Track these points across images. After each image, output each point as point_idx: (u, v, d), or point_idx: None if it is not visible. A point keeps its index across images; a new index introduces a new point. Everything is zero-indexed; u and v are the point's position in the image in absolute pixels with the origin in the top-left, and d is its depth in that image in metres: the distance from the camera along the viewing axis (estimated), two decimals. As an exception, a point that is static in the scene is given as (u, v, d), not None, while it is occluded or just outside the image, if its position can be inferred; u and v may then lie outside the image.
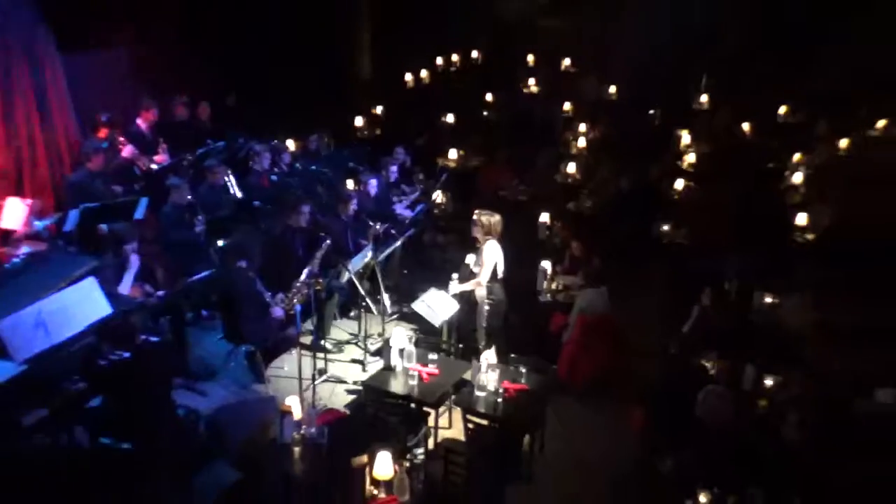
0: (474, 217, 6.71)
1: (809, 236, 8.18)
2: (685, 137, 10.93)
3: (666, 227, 8.51)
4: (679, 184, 9.34)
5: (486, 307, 6.62)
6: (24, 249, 6.82)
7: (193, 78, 10.52)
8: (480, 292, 6.62)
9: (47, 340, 5.04)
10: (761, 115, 11.77)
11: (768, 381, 5.58)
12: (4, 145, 7.95)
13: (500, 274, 6.67)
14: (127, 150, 8.17)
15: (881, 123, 10.77)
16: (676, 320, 6.59)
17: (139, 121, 8.67)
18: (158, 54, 9.98)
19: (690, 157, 10.26)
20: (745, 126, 11.34)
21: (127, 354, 4.91)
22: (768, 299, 6.74)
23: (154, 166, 8.25)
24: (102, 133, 8.25)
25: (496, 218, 6.66)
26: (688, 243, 8.35)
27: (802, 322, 6.43)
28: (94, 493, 4.95)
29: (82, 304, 5.32)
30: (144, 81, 9.76)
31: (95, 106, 8.91)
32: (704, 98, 12.31)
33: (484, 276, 6.56)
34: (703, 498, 4.36)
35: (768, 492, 4.39)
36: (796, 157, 10.10)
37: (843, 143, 10.36)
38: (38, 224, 6.93)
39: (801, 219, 8.24)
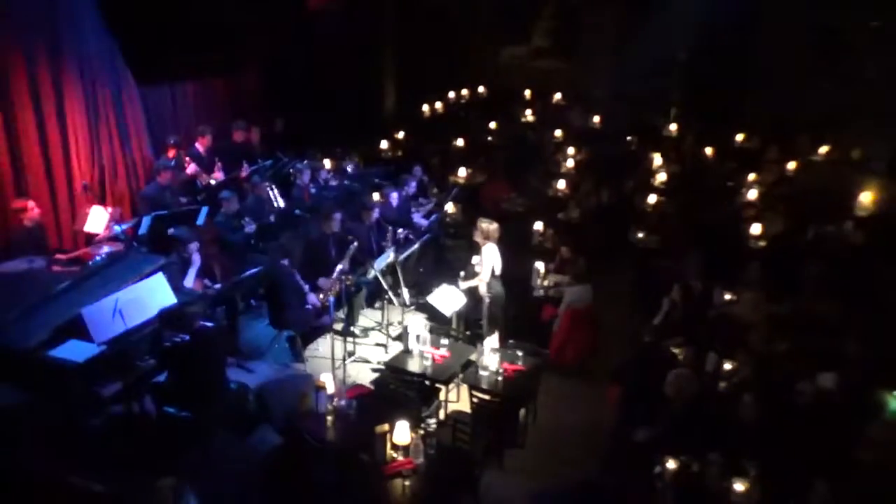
0: (477, 223, 6.70)
1: (762, 243, 8.12)
2: (657, 159, 10.88)
3: (640, 235, 8.47)
4: (651, 198, 9.29)
5: (487, 299, 6.59)
6: (105, 249, 6.83)
7: (247, 107, 10.55)
8: (482, 287, 6.59)
9: (122, 325, 5.02)
10: (721, 141, 11.72)
11: (727, 366, 5.50)
12: (91, 162, 7.96)
13: (497, 272, 6.63)
14: (191, 168, 8.17)
15: (823, 149, 10.73)
16: (649, 312, 6.53)
17: (197, 144, 8.67)
18: (218, 87, 10.00)
19: (661, 176, 10.21)
20: (708, 150, 11.28)
21: (187, 337, 4.89)
22: (727, 296, 6.68)
23: (212, 181, 8.24)
24: (171, 153, 8.25)
25: (494, 225, 6.65)
26: (658, 248, 8.30)
27: (755, 315, 6.36)
28: (161, 454, 4.92)
29: (152, 295, 5.30)
30: (206, 109, 9.79)
31: (165, 129, 8.93)
32: (673, 126, 12.30)
33: (484, 274, 6.53)
34: (670, 464, 4.28)
35: (727, 458, 4.32)
36: (751, 176, 10.03)
37: (791, 165, 10.29)
38: (117, 228, 6.91)
39: (755, 228, 8.18)
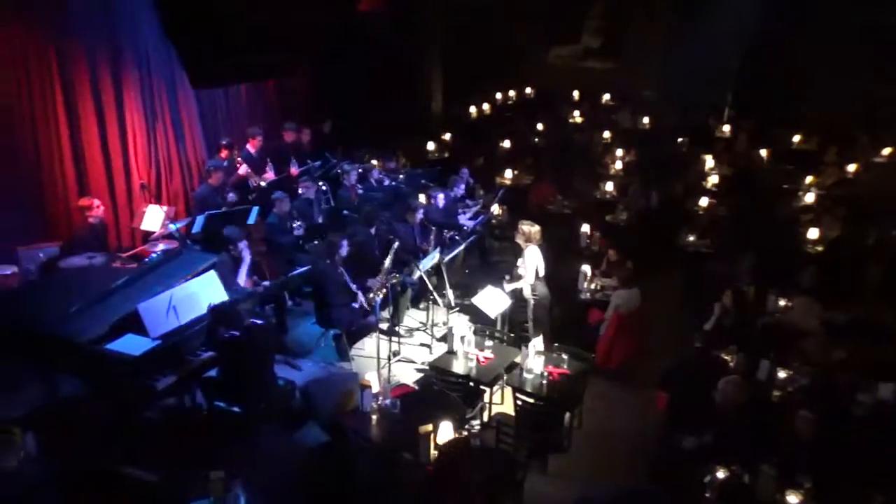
0: (519, 226, 6.70)
1: (819, 247, 7.87)
2: (708, 161, 10.65)
3: (690, 238, 8.29)
4: (703, 201, 9.10)
5: (532, 302, 6.56)
6: (161, 247, 7.05)
7: (297, 108, 10.75)
8: (527, 290, 6.57)
9: (176, 321, 5.14)
10: (776, 142, 11.39)
11: (781, 374, 5.34)
12: (148, 162, 8.23)
13: (541, 273, 6.61)
14: (242, 169, 8.34)
15: (886, 151, 10.33)
16: (699, 317, 6.38)
17: (248, 145, 8.85)
18: (269, 88, 10.22)
19: (713, 178, 10.00)
20: (762, 151, 10.96)
21: (237, 333, 5.00)
22: (781, 302, 6.49)
23: (263, 183, 8.41)
24: (223, 153, 8.45)
25: (535, 227, 6.63)
26: (709, 252, 8.11)
27: (810, 322, 6.15)
28: (211, 447, 5.04)
29: (204, 292, 5.40)
30: (258, 111, 10.01)
31: (218, 130, 9.17)
32: (726, 127, 12.02)
33: (528, 276, 6.52)
34: (720, 473, 4.18)
35: (780, 470, 4.19)
36: (808, 179, 9.72)
37: (851, 167, 9.94)
38: (172, 227, 7.09)
39: (812, 233, 7.93)
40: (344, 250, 6.44)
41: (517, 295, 6.61)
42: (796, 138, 11.48)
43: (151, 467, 4.25)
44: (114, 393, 4.87)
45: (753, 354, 5.52)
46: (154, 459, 4.67)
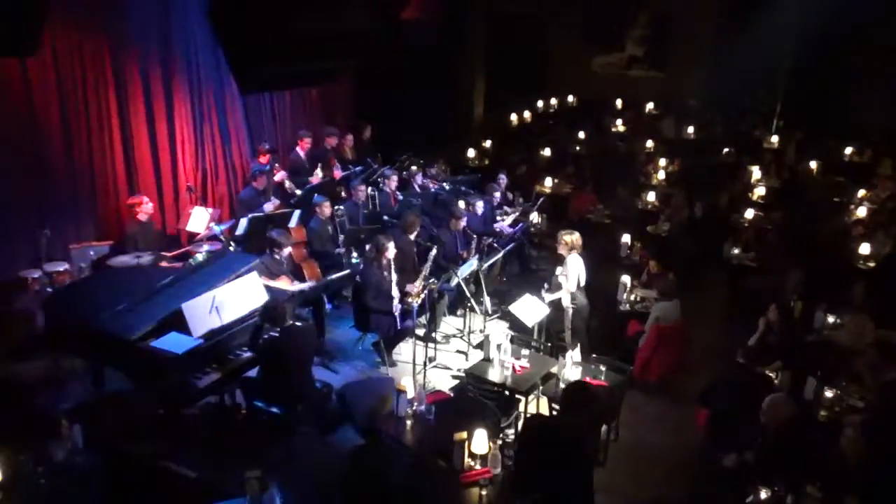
0: (558, 236, 6.66)
1: (870, 263, 7.61)
2: (755, 172, 10.42)
3: (735, 251, 8.12)
4: (749, 213, 8.91)
5: (570, 310, 6.51)
6: (205, 248, 7.21)
7: (339, 114, 10.90)
8: (566, 299, 6.52)
9: (218, 320, 5.24)
10: (827, 153, 11.08)
11: (828, 394, 5.17)
12: (195, 165, 8.45)
13: (582, 283, 6.56)
14: (279, 175, 8.47)
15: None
16: (742, 332, 6.23)
17: (297, 148, 9.00)
18: (312, 94, 10.39)
19: (760, 190, 9.78)
20: (812, 163, 10.67)
21: (276, 334, 5.08)
22: (830, 318, 6.29)
23: (298, 190, 8.51)
24: (265, 158, 8.58)
25: (576, 235, 6.59)
26: (755, 265, 7.92)
27: (860, 340, 5.95)
28: (249, 446, 5.13)
29: (246, 293, 5.52)
30: (301, 116, 10.19)
31: (262, 135, 9.36)
32: (775, 138, 11.75)
33: (570, 284, 6.46)
34: (763, 493, 4.06)
35: (825, 492, 4.05)
36: (860, 192, 9.42)
37: (906, 181, 9.59)
38: (216, 228, 7.22)
39: (864, 248, 7.68)
40: (391, 253, 6.49)
41: (556, 304, 6.56)
42: (848, 150, 11.14)
43: (191, 464, 4.34)
44: (157, 389, 4.99)
45: (799, 372, 5.36)
46: (193, 456, 4.77)
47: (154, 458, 4.43)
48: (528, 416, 4.98)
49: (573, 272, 6.47)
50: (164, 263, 6.89)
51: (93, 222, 7.41)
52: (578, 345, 5.83)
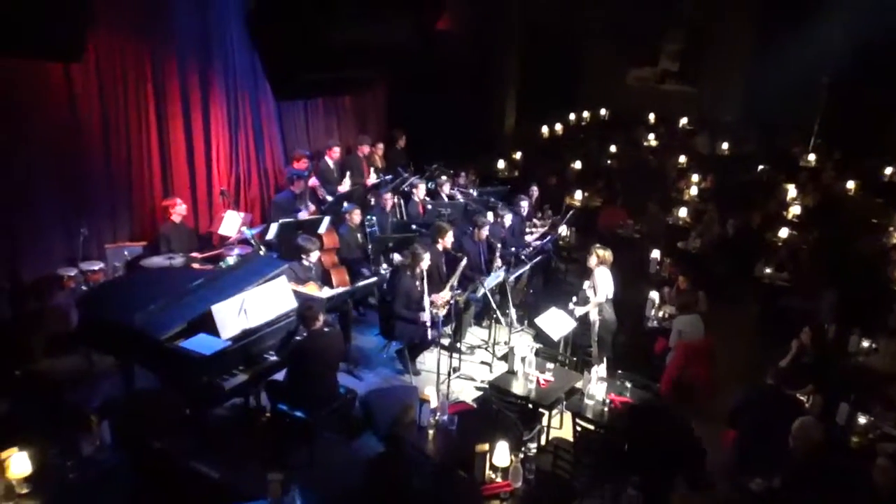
0: (592, 248, 6.69)
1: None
2: (791, 190, 10.24)
3: (768, 270, 7.98)
4: (783, 231, 8.75)
5: (597, 323, 6.49)
6: (236, 252, 7.32)
7: (371, 122, 11.00)
8: (593, 311, 6.51)
9: (246, 323, 5.31)
10: (866, 173, 10.83)
11: (861, 420, 5.04)
12: (229, 170, 8.59)
13: (609, 296, 6.55)
14: (312, 181, 8.56)
15: None
16: (773, 353, 6.10)
17: (326, 157, 9.10)
18: (346, 103, 10.50)
19: (795, 209, 9.60)
20: (850, 183, 10.44)
21: (301, 338, 5.13)
22: (865, 343, 6.14)
23: (329, 197, 8.59)
24: (302, 163, 8.67)
25: (608, 252, 6.64)
26: (788, 285, 7.77)
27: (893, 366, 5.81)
28: (272, 448, 5.18)
29: (274, 297, 5.58)
30: (334, 124, 10.30)
31: (296, 142, 9.49)
32: (812, 156, 11.54)
33: (599, 296, 6.49)
34: (790, 519, 3.96)
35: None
36: (901, 214, 9.21)
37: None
38: (248, 232, 7.32)
39: (904, 271, 7.49)
40: (426, 265, 6.52)
41: (582, 318, 6.52)
42: (888, 170, 10.88)
43: (214, 464, 4.39)
44: (185, 389, 5.07)
45: (832, 396, 5.23)
46: (217, 456, 4.83)
47: (179, 456, 4.49)
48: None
49: (602, 284, 6.47)
50: (195, 265, 7.00)
51: (128, 223, 7.57)
52: (604, 359, 5.78)
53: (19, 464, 3.88)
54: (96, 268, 6.68)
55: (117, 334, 5.29)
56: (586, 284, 6.80)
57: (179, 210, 7.23)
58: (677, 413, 4.83)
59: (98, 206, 7.21)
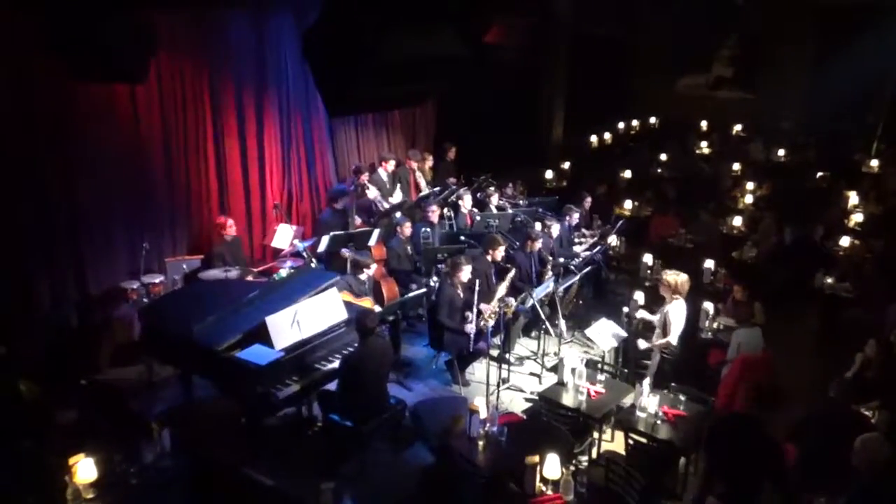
0: (662, 275, 6.25)
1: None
2: (853, 198, 9.86)
3: (829, 280, 7.69)
4: (844, 240, 8.42)
5: (661, 356, 6.22)
6: (289, 264, 7.48)
7: (422, 135, 11.12)
8: (661, 343, 6.19)
9: (299, 334, 5.40)
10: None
11: (930, 436, 4.79)
12: (282, 185, 8.81)
13: (679, 331, 6.14)
14: (371, 193, 8.69)
15: None
16: (836, 366, 5.87)
17: (380, 168, 9.24)
18: (395, 117, 10.65)
19: (857, 217, 9.24)
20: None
21: (352, 350, 5.19)
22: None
23: (386, 205, 8.73)
24: (361, 178, 8.74)
25: (683, 277, 6.11)
26: (851, 296, 7.47)
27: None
28: (325, 458, 5.25)
29: (326, 308, 5.66)
30: (384, 139, 10.45)
31: (347, 157, 9.67)
32: (874, 162, 11.10)
33: (673, 336, 6.10)
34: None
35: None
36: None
37: None
38: (300, 245, 7.47)
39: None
40: (466, 275, 6.54)
41: (634, 329, 6.40)
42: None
43: (269, 472, 4.48)
44: (240, 398, 5.19)
45: (899, 412, 5.00)
46: (271, 465, 4.93)
47: (235, 463, 4.61)
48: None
49: (676, 322, 6.07)
50: (250, 278, 7.18)
51: (187, 237, 7.83)
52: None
53: (86, 469, 4.05)
54: (157, 280, 6.92)
55: (177, 345, 5.46)
56: (640, 296, 6.65)
57: (230, 230, 7.39)
58: (754, 421, 4.74)
59: (159, 222, 7.48)
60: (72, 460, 4.08)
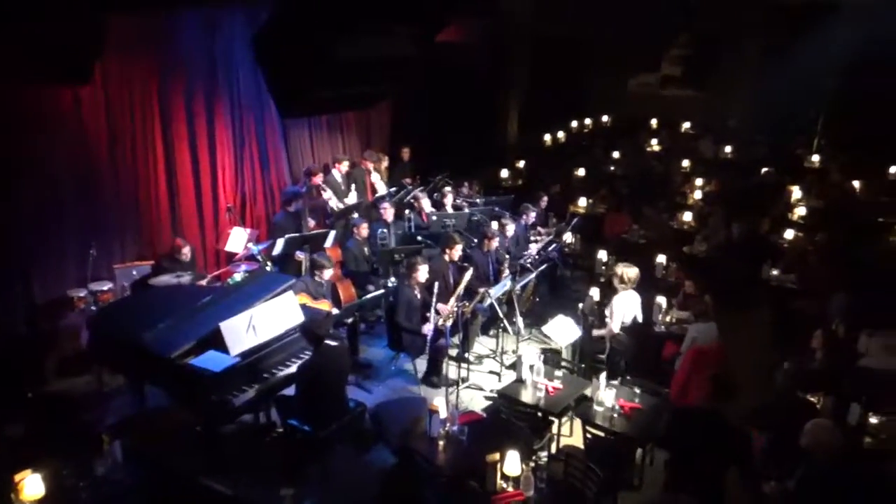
0: (615, 268, 6.48)
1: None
2: (796, 192, 10.22)
3: (775, 272, 7.95)
4: (789, 233, 8.72)
5: (609, 347, 6.40)
6: (243, 268, 7.36)
7: (376, 137, 11.07)
8: (608, 337, 6.40)
9: (255, 339, 5.32)
10: (872, 173, 10.82)
11: (873, 420, 5.01)
12: (235, 188, 8.66)
13: (627, 321, 6.36)
14: (327, 195, 8.61)
15: None
16: (784, 356, 6.08)
17: (334, 170, 9.17)
18: (349, 119, 10.58)
19: (801, 210, 9.58)
20: (856, 183, 10.42)
21: (307, 355, 5.14)
22: (874, 341, 6.10)
23: (342, 205, 8.65)
24: (313, 179, 8.66)
25: (633, 271, 6.35)
26: (797, 287, 7.74)
27: (889, 363, 5.79)
28: (284, 464, 5.18)
29: (282, 312, 5.59)
30: (338, 140, 10.37)
31: (301, 159, 9.56)
32: (816, 157, 11.54)
33: (614, 324, 6.32)
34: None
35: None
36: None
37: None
38: (254, 249, 7.36)
39: (910, 269, 7.46)
40: (423, 275, 6.54)
41: (590, 325, 6.52)
42: (893, 169, 10.86)
43: (227, 481, 4.41)
44: (195, 406, 5.09)
45: (844, 398, 5.21)
46: (229, 473, 4.84)
47: (192, 474, 4.51)
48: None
49: (618, 310, 6.29)
50: (203, 283, 7.05)
51: (136, 243, 7.63)
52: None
53: (33, 486, 3.91)
54: (106, 288, 6.74)
55: (128, 354, 5.32)
56: (596, 292, 6.78)
57: (185, 254, 7.21)
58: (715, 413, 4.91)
59: (107, 227, 7.27)
60: (17, 477, 3.93)
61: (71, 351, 6.36)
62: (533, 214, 8.95)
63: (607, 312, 6.47)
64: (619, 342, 6.38)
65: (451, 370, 6.30)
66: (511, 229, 8.25)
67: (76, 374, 6.31)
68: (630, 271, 6.35)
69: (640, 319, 6.46)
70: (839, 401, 5.19)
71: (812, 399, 5.33)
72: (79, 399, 6.04)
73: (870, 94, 11.01)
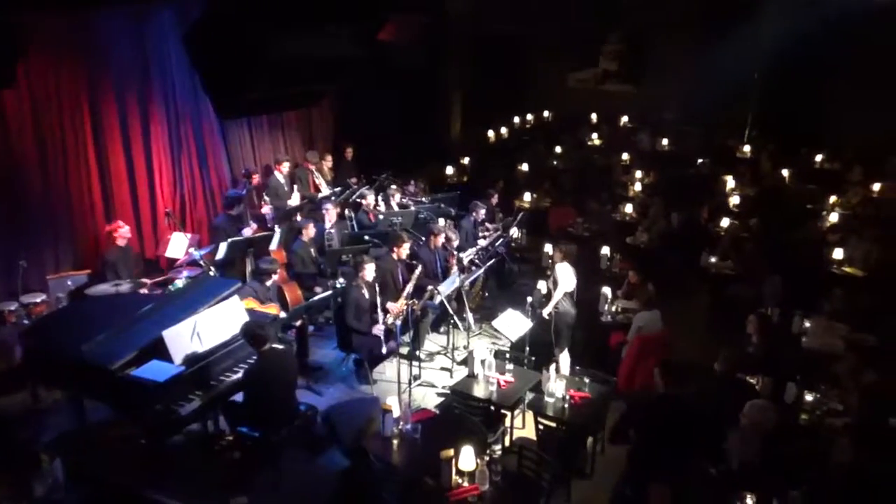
0: (554, 247, 7.09)
1: (847, 269, 7.77)
2: (730, 182, 10.61)
3: (713, 259, 8.23)
4: (724, 222, 9.04)
5: (554, 314, 6.68)
6: (185, 274, 7.16)
7: (319, 136, 10.93)
8: (558, 303, 6.72)
9: (200, 347, 5.20)
10: (800, 162, 11.32)
11: (808, 397, 5.26)
12: (173, 191, 8.42)
13: (569, 289, 6.77)
14: (265, 209, 8.46)
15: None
16: (724, 340, 6.30)
17: (276, 172, 9.01)
18: (291, 118, 10.42)
19: (735, 199, 9.94)
20: (785, 172, 10.89)
21: (253, 361, 5.04)
22: (807, 324, 6.41)
23: (268, 210, 8.52)
24: (253, 180, 8.50)
25: (571, 246, 7.08)
26: (734, 273, 8.03)
27: (833, 343, 6.09)
28: (234, 472, 5.07)
29: (228, 318, 5.47)
30: (280, 140, 10.20)
31: (242, 160, 9.36)
32: (747, 148, 11.99)
33: (565, 285, 6.70)
34: (749, 500, 4.09)
35: (810, 497, 4.10)
36: (832, 199, 9.63)
37: (877, 186, 9.83)
38: (196, 254, 7.18)
39: (838, 253, 7.84)
40: (370, 274, 6.50)
41: (539, 317, 6.63)
42: (819, 157, 11.40)
43: (176, 493, 4.28)
44: (139, 418, 4.93)
45: (780, 378, 5.44)
46: (179, 485, 4.70)
47: (138, 488, 4.37)
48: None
49: (563, 279, 6.69)
50: (143, 290, 6.83)
51: (71, 251, 7.34)
52: (566, 350, 5.87)
53: (-34, 510, 3.72)
54: (38, 300, 6.46)
55: (64, 367, 5.11)
56: (543, 286, 6.89)
57: (123, 233, 7.01)
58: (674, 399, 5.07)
59: (37, 236, 6.96)
60: (-51, 502, 3.74)
61: (3, 367, 6.06)
62: (482, 211, 9.01)
63: (542, 287, 6.93)
64: (562, 305, 6.71)
65: (402, 368, 6.28)
66: (462, 224, 8.30)
67: (10, 391, 6.01)
68: (569, 247, 6.97)
69: (570, 289, 6.79)
70: (776, 381, 5.42)
71: (751, 381, 5.54)
72: (13, 416, 5.76)
73: (794, 85, 11.52)
